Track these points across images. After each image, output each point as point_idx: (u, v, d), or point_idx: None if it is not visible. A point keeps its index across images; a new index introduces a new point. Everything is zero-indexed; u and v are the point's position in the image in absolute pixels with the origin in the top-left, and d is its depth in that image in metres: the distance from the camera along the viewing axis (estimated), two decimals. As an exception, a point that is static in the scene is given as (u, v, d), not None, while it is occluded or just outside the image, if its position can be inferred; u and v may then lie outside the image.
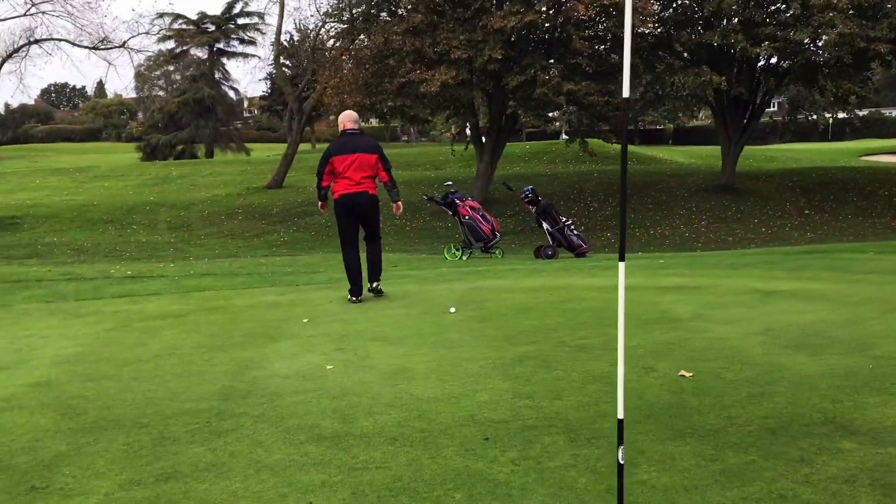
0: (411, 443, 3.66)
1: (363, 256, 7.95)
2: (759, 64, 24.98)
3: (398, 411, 4.09)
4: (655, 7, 23.27)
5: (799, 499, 2.90)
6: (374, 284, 7.87)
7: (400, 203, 8.35)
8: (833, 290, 6.46)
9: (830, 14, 20.66)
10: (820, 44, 22.61)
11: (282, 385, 4.65)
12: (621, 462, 2.25)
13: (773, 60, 23.36)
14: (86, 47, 27.33)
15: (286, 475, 3.35)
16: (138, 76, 50.86)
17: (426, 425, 3.88)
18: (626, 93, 2.43)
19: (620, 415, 2.29)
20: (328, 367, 5.00)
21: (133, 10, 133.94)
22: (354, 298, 7.68)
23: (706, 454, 3.35)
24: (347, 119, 8.02)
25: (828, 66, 22.79)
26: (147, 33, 39.81)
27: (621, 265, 2.33)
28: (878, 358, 4.45)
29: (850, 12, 21.45)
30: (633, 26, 20.42)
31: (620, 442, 2.30)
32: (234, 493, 3.20)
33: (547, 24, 22.61)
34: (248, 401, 4.37)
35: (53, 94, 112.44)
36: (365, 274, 7.85)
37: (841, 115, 30.15)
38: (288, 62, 43.62)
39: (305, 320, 6.57)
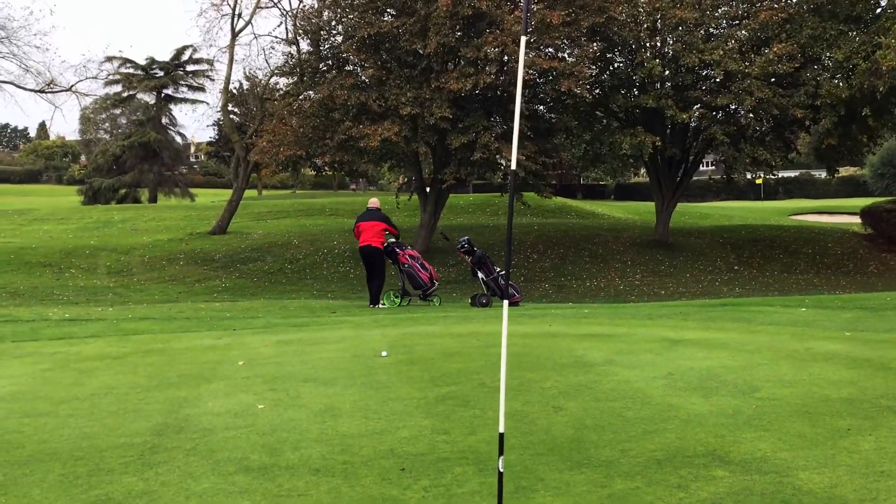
0: (333, 473, 3.96)
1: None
2: (692, 125, 26.29)
3: (323, 446, 4.39)
4: (592, 70, 24.34)
5: (670, 518, 3.30)
6: (373, 306, 13.60)
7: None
8: (734, 340, 7.01)
9: (748, 81, 22.08)
10: (741, 110, 24.04)
11: (214, 422, 4.90)
12: (501, 470, 2.62)
13: (702, 124, 24.68)
14: (31, 90, 27.12)
15: (213, 501, 3.62)
16: (83, 119, 50.49)
17: (349, 458, 4.18)
18: (513, 165, 2.85)
19: (501, 429, 2.66)
20: (259, 406, 5.26)
21: (83, 54, 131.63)
22: (371, 305, 13.67)
23: (597, 481, 3.73)
24: (371, 203, 14.08)
25: (750, 130, 24.22)
26: (95, 78, 39.57)
27: (505, 309, 2.73)
28: (762, 399, 4.93)
29: (773, 80, 22.95)
30: (569, 89, 21.35)
31: (501, 453, 2.67)
32: (163, 516, 3.45)
33: (492, 85, 23.35)
34: (180, 436, 4.62)
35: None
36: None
37: (773, 175, 31.89)
38: (236, 109, 43.89)
39: (241, 363, 6.82)
